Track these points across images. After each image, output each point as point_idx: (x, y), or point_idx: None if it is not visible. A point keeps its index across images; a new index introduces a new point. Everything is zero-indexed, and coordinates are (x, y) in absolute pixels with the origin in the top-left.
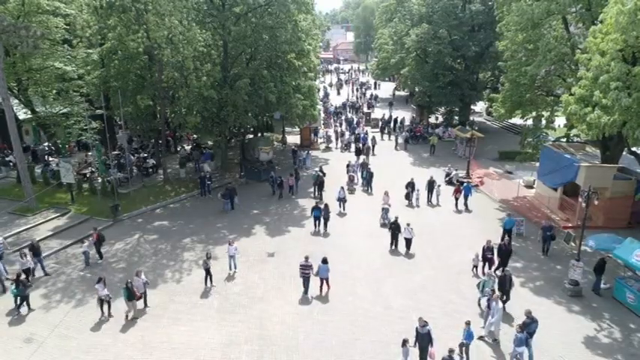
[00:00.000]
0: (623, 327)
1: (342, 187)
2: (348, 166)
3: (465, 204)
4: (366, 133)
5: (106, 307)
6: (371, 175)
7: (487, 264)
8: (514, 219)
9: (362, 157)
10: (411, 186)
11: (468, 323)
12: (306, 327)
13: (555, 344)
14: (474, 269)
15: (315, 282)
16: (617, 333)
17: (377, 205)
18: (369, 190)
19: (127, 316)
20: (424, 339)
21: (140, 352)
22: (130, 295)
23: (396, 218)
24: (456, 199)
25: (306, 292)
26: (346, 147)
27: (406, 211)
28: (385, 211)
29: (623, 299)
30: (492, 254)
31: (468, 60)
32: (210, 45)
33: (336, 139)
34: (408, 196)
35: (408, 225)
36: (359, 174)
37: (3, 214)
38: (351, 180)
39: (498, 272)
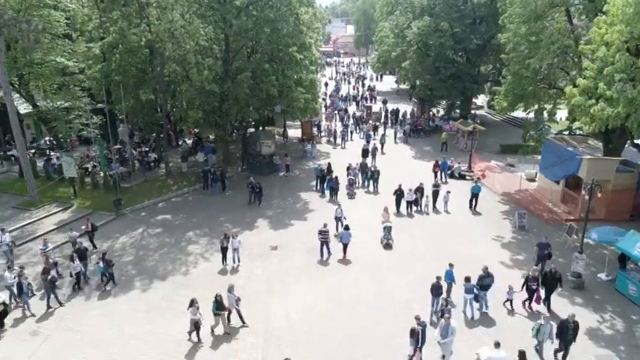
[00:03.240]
0: (626, 318)
1: (340, 205)
2: (348, 169)
3: (442, 178)
4: (374, 130)
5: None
6: (378, 173)
7: (532, 297)
8: (480, 185)
9: (368, 159)
10: (420, 191)
11: (451, 265)
12: (310, 320)
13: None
14: (510, 303)
15: (338, 249)
16: (620, 324)
17: (381, 202)
18: (375, 189)
19: (212, 330)
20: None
21: (145, 345)
22: (219, 308)
23: (400, 185)
24: (435, 173)
25: (321, 255)
26: (367, 138)
27: (415, 222)
28: (387, 229)
29: (625, 291)
30: (538, 285)
31: (469, 53)
32: (211, 39)
33: (335, 138)
34: (416, 202)
35: (410, 190)
36: (360, 176)
37: (7, 208)
38: (350, 184)
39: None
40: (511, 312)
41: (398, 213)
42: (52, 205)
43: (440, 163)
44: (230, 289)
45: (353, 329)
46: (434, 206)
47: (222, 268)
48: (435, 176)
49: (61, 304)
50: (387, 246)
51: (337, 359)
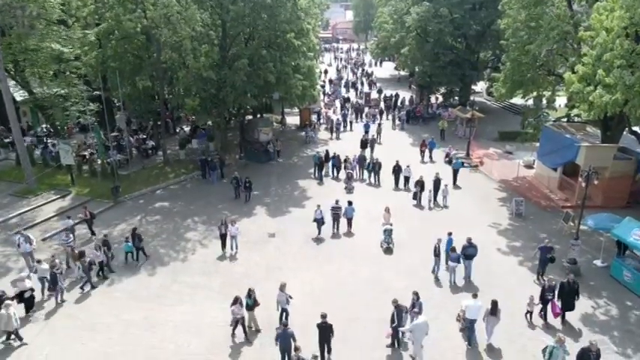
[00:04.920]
0: (620, 304)
1: (319, 205)
2: (345, 161)
3: (430, 156)
4: (381, 114)
5: (239, 329)
6: (379, 165)
7: (545, 307)
8: (461, 161)
9: (367, 150)
10: (420, 185)
11: (449, 233)
12: (306, 306)
13: (553, 321)
14: (529, 316)
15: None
16: (614, 310)
17: (383, 195)
18: (376, 182)
19: (250, 325)
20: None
21: (144, 331)
22: (251, 305)
23: (397, 161)
24: (422, 152)
25: (336, 228)
26: (373, 118)
27: (414, 211)
28: (388, 232)
29: (620, 277)
30: (554, 295)
31: (469, 39)
32: (208, 25)
33: (331, 128)
34: (415, 196)
35: (408, 167)
36: (357, 169)
37: (4, 195)
38: (349, 178)
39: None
40: (530, 324)
41: (396, 188)
42: (50, 193)
43: (427, 142)
44: (282, 288)
45: (349, 315)
46: (435, 199)
47: (221, 255)
48: (422, 156)
49: (93, 287)
50: (388, 250)
51: (332, 343)
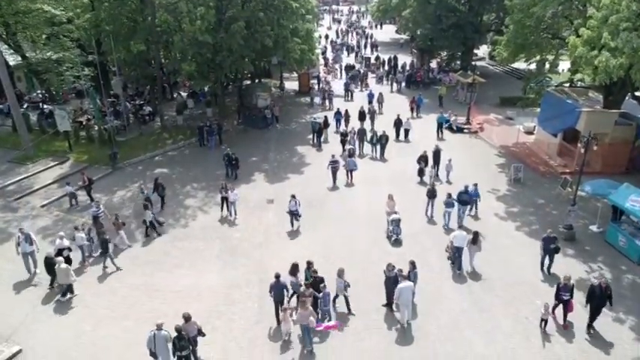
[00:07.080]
0: (614, 269)
1: (294, 196)
2: (344, 135)
3: (417, 113)
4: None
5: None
6: (386, 138)
7: (560, 309)
8: (445, 116)
9: (365, 122)
10: (424, 160)
11: (475, 184)
12: (303, 271)
13: (547, 287)
14: (543, 324)
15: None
16: (608, 274)
17: (388, 174)
18: (381, 157)
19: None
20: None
21: (145, 296)
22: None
23: (398, 115)
24: (412, 109)
25: (334, 182)
26: (380, 80)
27: (416, 187)
28: (396, 223)
29: (615, 242)
30: (570, 295)
31: (472, 0)
32: None
33: (323, 98)
34: (421, 172)
35: (408, 119)
36: (357, 144)
37: (2, 162)
38: (350, 155)
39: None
40: (544, 333)
41: (397, 139)
42: (48, 159)
43: (416, 99)
44: (340, 274)
45: (348, 278)
46: (436, 173)
47: (220, 220)
48: (411, 112)
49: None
50: (397, 242)
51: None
